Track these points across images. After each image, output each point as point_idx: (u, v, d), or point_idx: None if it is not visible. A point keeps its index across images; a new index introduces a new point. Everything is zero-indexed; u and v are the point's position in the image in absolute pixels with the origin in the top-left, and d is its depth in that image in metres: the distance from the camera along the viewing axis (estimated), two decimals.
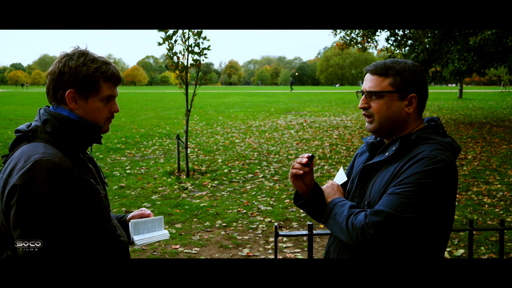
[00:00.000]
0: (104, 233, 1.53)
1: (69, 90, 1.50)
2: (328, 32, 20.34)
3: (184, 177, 7.54)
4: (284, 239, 4.68)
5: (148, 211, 1.86)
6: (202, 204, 5.99)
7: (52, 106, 1.55)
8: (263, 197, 6.36)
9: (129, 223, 1.78)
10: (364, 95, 1.63)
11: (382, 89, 1.59)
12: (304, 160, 1.65)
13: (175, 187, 6.92)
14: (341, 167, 1.97)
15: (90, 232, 1.48)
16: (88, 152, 1.64)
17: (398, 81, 1.58)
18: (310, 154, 1.66)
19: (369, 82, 1.62)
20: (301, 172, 1.66)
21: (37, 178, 1.34)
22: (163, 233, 1.83)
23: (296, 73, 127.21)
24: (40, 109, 1.56)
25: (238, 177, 7.58)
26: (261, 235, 4.88)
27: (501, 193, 6.29)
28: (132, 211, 1.90)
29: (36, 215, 1.34)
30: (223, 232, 4.96)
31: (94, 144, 1.62)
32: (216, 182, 7.28)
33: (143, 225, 1.80)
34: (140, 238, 1.77)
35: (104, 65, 1.53)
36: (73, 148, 1.50)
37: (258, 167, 8.39)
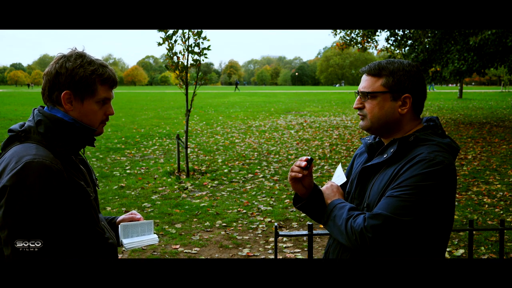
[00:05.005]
0: (92, 235, 1.53)
1: (65, 92, 1.50)
2: (328, 32, 20.35)
3: (184, 177, 7.54)
4: (284, 239, 4.68)
5: (138, 215, 1.85)
6: (202, 204, 5.99)
7: (47, 107, 1.55)
8: (263, 197, 6.37)
9: (119, 225, 1.77)
10: (359, 95, 1.65)
11: (374, 89, 1.60)
12: (303, 163, 1.65)
13: (175, 187, 6.92)
14: (339, 164, 1.97)
15: (78, 234, 1.48)
16: (81, 154, 1.64)
17: (390, 82, 1.58)
18: (309, 157, 1.66)
19: (363, 82, 1.64)
20: (300, 175, 1.66)
21: (28, 180, 1.34)
22: (152, 237, 1.82)
23: (296, 73, 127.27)
24: (34, 109, 1.55)
25: (238, 177, 7.58)
26: (261, 235, 4.88)
27: (501, 193, 6.29)
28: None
29: (25, 216, 1.34)
30: (223, 232, 4.96)
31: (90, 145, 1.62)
32: (216, 182, 7.28)
33: (133, 228, 1.78)
34: (129, 241, 1.76)
35: (101, 68, 1.54)
36: (65, 150, 1.50)
37: (258, 167, 8.39)
